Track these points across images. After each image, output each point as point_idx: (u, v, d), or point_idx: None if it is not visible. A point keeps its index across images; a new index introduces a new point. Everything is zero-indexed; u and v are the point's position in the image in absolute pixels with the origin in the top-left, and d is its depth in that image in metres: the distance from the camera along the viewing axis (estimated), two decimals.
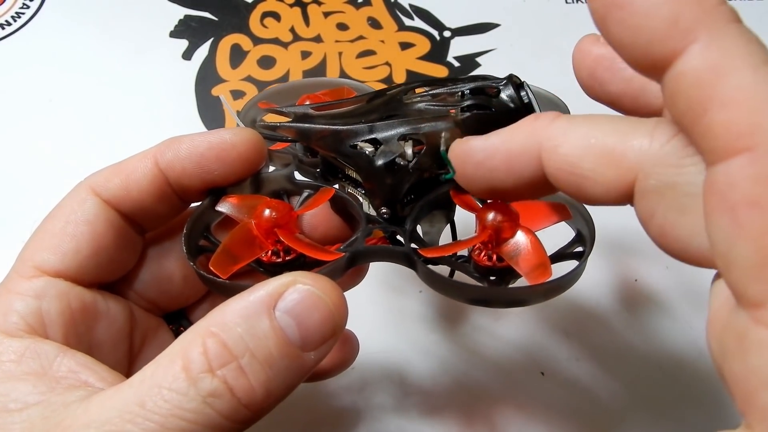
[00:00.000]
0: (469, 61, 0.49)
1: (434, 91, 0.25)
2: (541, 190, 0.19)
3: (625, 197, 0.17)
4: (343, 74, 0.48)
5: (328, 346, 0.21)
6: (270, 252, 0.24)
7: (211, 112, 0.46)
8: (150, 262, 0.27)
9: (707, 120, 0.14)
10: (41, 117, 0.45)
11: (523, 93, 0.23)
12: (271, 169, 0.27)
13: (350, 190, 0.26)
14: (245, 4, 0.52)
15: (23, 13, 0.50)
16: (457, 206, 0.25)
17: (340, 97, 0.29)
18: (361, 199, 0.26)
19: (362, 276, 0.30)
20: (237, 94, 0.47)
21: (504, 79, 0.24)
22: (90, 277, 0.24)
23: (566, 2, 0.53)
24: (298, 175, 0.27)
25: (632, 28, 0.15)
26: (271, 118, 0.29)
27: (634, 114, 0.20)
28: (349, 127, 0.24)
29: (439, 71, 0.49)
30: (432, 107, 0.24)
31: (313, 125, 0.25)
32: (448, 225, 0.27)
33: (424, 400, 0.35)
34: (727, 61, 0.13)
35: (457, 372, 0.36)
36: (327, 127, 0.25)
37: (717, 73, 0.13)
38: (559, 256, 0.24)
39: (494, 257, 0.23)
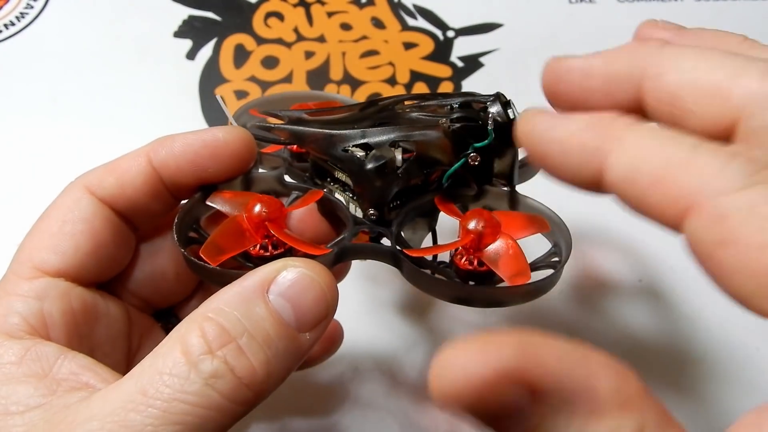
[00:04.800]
0: (473, 61, 0.49)
1: (424, 103, 0.26)
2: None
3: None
4: (346, 74, 0.48)
5: (323, 327, 0.21)
6: (258, 246, 0.24)
7: (214, 113, 0.46)
8: (143, 260, 0.27)
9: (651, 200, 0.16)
10: (45, 117, 0.45)
11: (509, 110, 0.24)
12: (261, 170, 0.28)
13: (338, 194, 0.27)
14: (249, 4, 0.52)
15: (27, 13, 0.50)
16: (439, 215, 0.26)
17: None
18: (346, 202, 0.27)
19: (343, 275, 0.31)
20: (240, 95, 0.47)
21: (492, 96, 0.25)
22: (90, 276, 0.24)
23: (570, 2, 0.53)
24: (287, 178, 0.28)
25: (560, 162, 0.18)
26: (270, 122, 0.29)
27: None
28: (342, 131, 0.25)
29: (443, 71, 0.49)
30: (423, 117, 0.25)
31: (307, 128, 0.26)
32: (430, 233, 0.28)
33: (415, 390, 0.35)
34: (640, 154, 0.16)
35: None
36: (321, 130, 0.26)
37: (635, 170, 0.16)
38: (537, 266, 0.25)
39: (475, 262, 0.24)
